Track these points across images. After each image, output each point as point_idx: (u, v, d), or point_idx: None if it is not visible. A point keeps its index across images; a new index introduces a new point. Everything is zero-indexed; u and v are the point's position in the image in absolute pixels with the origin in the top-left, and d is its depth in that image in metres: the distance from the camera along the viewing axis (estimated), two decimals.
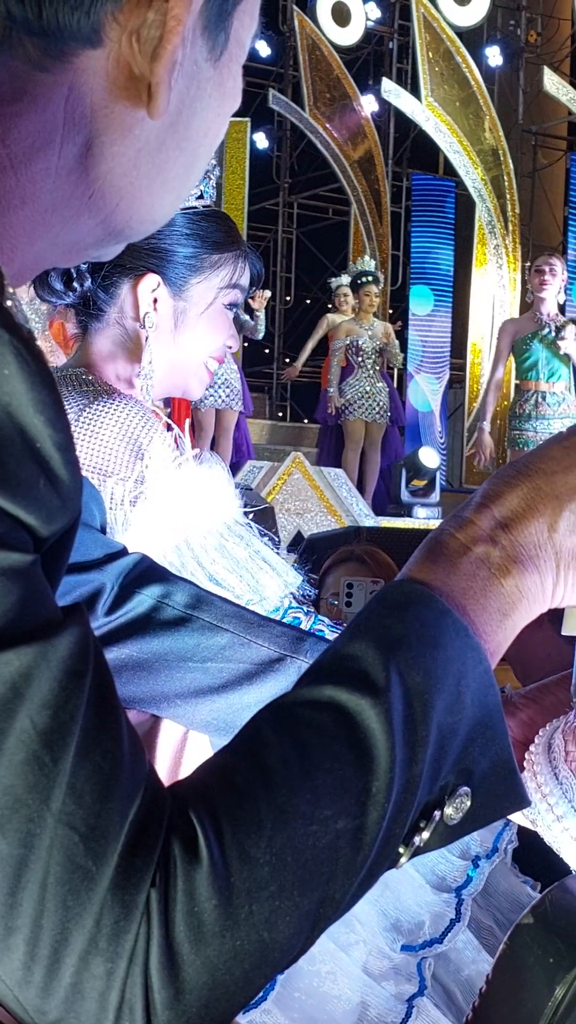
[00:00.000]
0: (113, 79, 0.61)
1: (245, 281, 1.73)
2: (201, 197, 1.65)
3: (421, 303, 12.11)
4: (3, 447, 0.52)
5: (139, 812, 0.54)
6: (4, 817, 0.51)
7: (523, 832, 1.64)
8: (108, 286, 1.64)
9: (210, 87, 0.65)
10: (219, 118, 0.67)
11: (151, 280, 1.64)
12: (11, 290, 0.57)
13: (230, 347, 1.74)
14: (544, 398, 7.27)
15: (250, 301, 8.86)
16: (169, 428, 1.58)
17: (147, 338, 1.64)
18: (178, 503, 1.47)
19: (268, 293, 9.49)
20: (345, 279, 10.57)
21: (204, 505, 1.49)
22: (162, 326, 1.66)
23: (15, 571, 0.52)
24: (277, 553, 1.57)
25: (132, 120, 0.62)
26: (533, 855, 1.73)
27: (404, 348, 11.16)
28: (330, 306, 10.92)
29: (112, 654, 1.12)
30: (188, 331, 1.68)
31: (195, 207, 1.65)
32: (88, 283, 1.62)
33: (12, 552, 0.52)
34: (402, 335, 11.45)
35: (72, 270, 1.59)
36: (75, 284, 1.62)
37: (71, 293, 1.63)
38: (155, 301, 1.64)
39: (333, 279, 10.99)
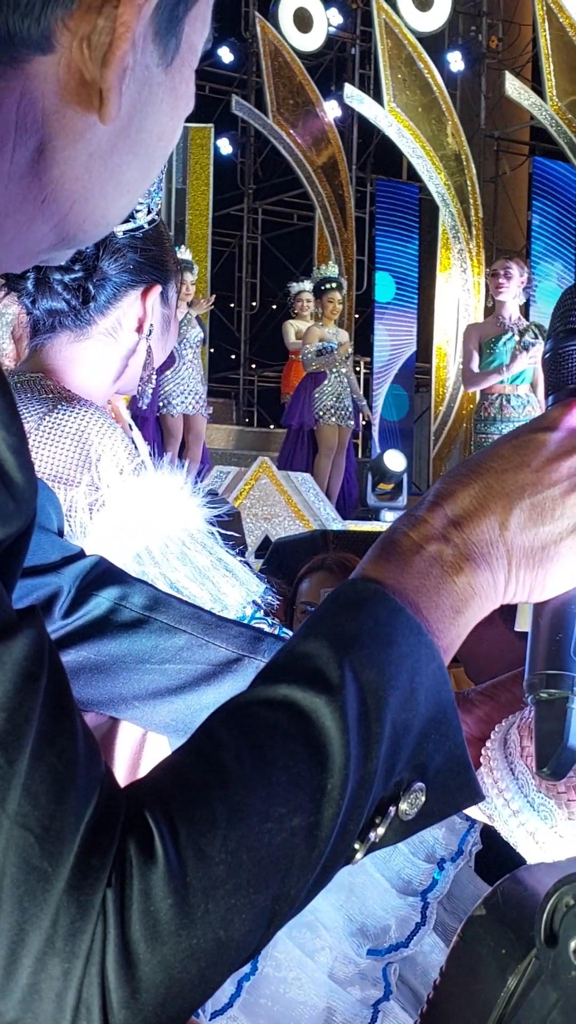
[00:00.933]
0: (64, 84, 0.61)
1: None
2: (150, 211, 1.67)
3: (384, 291, 12.14)
4: None
5: (95, 813, 0.54)
6: None
7: (486, 834, 1.65)
8: (112, 297, 1.65)
9: (162, 92, 0.65)
10: (172, 122, 0.67)
11: (156, 290, 1.68)
12: None
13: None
14: (508, 400, 7.32)
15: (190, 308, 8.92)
16: (133, 440, 1.59)
17: (149, 348, 1.69)
18: (137, 511, 1.48)
19: (212, 298, 9.60)
20: (307, 284, 10.60)
21: (164, 513, 1.49)
22: (153, 334, 1.71)
23: None
24: (242, 561, 1.57)
25: (84, 125, 0.62)
26: (493, 856, 1.74)
27: (370, 351, 11.21)
28: (294, 312, 10.94)
29: (70, 656, 1.12)
30: (170, 337, 1.75)
31: (153, 219, 1.67)
32: (96, 292, 1.63)
33: None
34: (366, 338, 11.49)
35: (84, 278, 1.60)
36: (80, 293, 1.62)
37: (73, 302, 1.63)
38: (152, 311, 1.69)
39: (294, 284, 11.00)
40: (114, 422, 1.58)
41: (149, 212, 1.62)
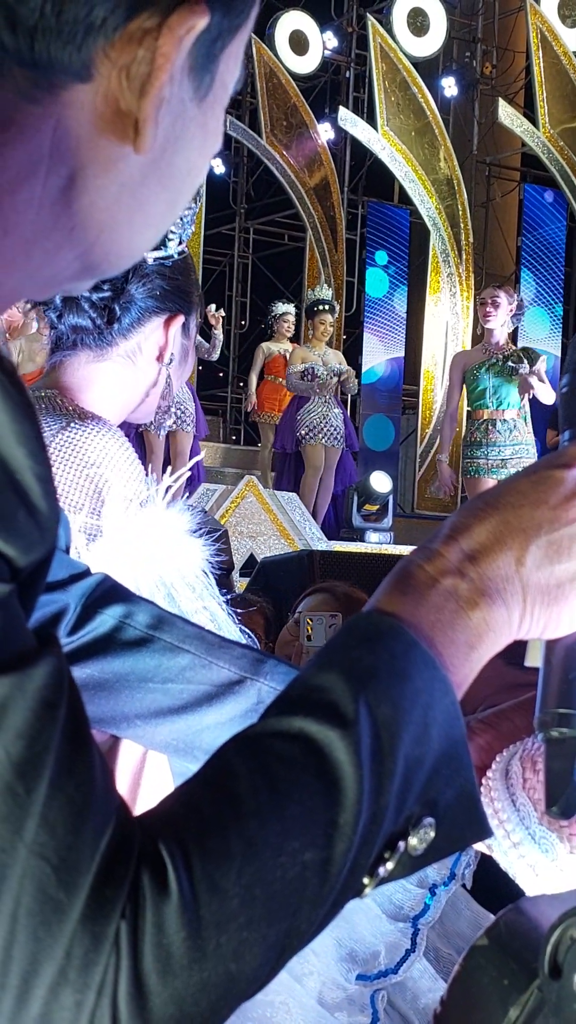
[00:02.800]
0: (100, 113, 0.61)
1: None
2: (181, 242, 1.68)
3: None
4: None
5: (110, 844, 0.54)
6: None
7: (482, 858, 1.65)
8: (136, 321, 1.67)
9: (194, 126, 0.65)
10: (202, 158, 0.68)
11: (179, 320, 1.70)
12: None
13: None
14: (494, 425, 7.36)
15: (210, 320, 8.91)
16: (144, 462, 1.59)
17: (168, 376, 1.70)
18: (133, 547, 1.47)
19: (223, 312, 9.54)
20: (291, 307, 10.59)
21: (160, 552, 1.49)
22: (173, 364, 1.73)
23: None
24: (230, 611, 1.56)
25: (117, 155, 0.62)
26: (490, 879, 1.74)
27: (358, 372, 11.21)
28: (272, 332, 10.92)
29: (73, 674, 1.12)
30: (186, 369, 1.77)
31: (183, 251, 1.68)
32: (121, 313, 1.64)
33: None
34: (354, 359, 11.50)
35: (112, 298, 1.61)
36: (105, 312, 1.63)
37: (99, 321, 1.64)
38: (173, 340, 1.70)
39: (279, 304, 10.97)
40: (128, 444, 1.58)
41: (180, 243, 1.63)
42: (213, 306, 9.14)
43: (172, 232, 1.61)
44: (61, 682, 0.54)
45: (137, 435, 8.56)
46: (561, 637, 0.73)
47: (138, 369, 1.68)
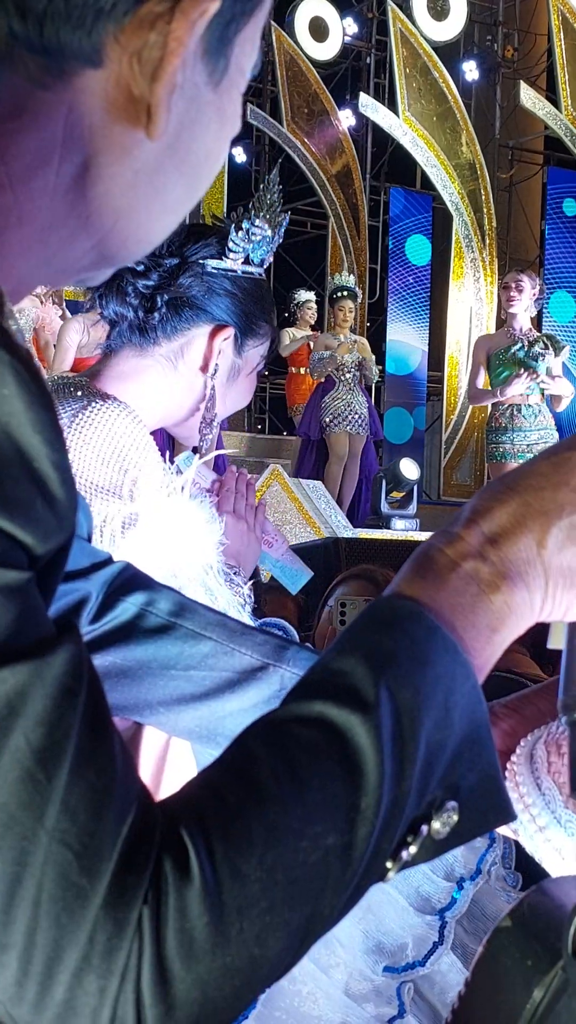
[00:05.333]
0: (112, 99, 0.61)
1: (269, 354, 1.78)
2: (261, 264, 1.66)
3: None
4: (1, 466, 0.53)
5: (131, 830, 0.54)
6: None
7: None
8: (180, 321, 1.63)
9: (210, 111, 0.65)
10: (219, 142, 0.67)
11: (228, 333, 1.65)
12: (11, 309, 0.57)
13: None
14: (519, 410, 7.34)
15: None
16: (172, 452, 1.58)
17: (212, 388, 1.65)
18: (167, 537, 1.46)
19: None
20: (312, 295, 10.57)
21: (190, 542, 1.48)
22: (218, 380, 1.68)
23: (11, 589, 0.53)
24: (242, 603, 1.55)
25: (131, 141, 0.62)
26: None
27: (381, 359, 11.16)
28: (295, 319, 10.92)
29: (96, 661, 1.11)
30: (234, 390, 1.72)
31: (258, 272, 1.66)
32: (162, 308, 1.61)
33: (8, 570, 0.53)
34: (377, 347, 11.47)
35: (156, 290, 1.59)
36: (147, 302, 1.60)
37: (139, 310, 1.61)
38: (219, 353, 1.65)
39: (301, 292, 10.95)
40: (145, 427, 1.56)
41: (247, 262, 1.61)
42: None
43: (235, 247, 1.59)
44: (80, 669, 0.55)
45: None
46: None
47: (179, 375, 1.64)
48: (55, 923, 0.51)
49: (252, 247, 1.60)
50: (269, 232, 1.61)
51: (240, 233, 1.59)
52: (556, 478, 0.70)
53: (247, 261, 1.62)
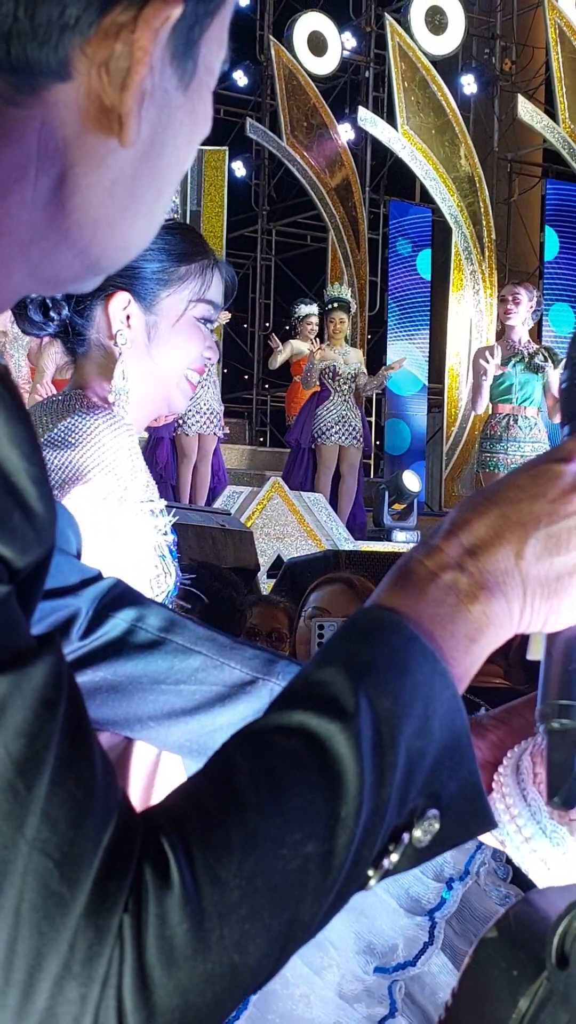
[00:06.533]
0: (84, 110, 0.61)
1: (216, 295, 1.74)
2: None
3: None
4: None
5: (112, 838, 0.54)
6: None
7: None
8: (83, 310, 1.65)
9: (181, 114, 0.65)
10: (190, 145, 0.68)
11: (121, 298, 1.65)
12: None
13: (208, 358, 1.75)
14: (516, 421, 7.36)
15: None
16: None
17: (120, 355, 1.65)
18: (93, 543, 1.45)
19: (228, 314, 9.51)
20: (313, 308, 10.61)
21: (116, 553, 1.47)
22: (137, 342, 1.67)
23: None
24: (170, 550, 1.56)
25: (105, 151, 0.63)
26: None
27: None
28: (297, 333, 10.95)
29: (86, 677, 1.13)
30: (162, 345, 1.69)
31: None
32: (65, 311, 1.63)
33: None
34: (378, 359, 11.47)
35: (48, 300, 1.60)
36: (52, 314, 1.63)
37: (51, 323, 1.64)
38: (128, 318, 1.65)
39: (301, 306, 10.99)
40: (128, 436, 1.57)
41: None
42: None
43: None
44: (60, 680, 0.55)
45: (171, 439, 8.58)
46: (561, 630, 0.73)
47: (112, 356, 1.66)
48: (36, 931, 0.52)
49: None
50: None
51: None
52: (534, 490, 0.71)
53: None
